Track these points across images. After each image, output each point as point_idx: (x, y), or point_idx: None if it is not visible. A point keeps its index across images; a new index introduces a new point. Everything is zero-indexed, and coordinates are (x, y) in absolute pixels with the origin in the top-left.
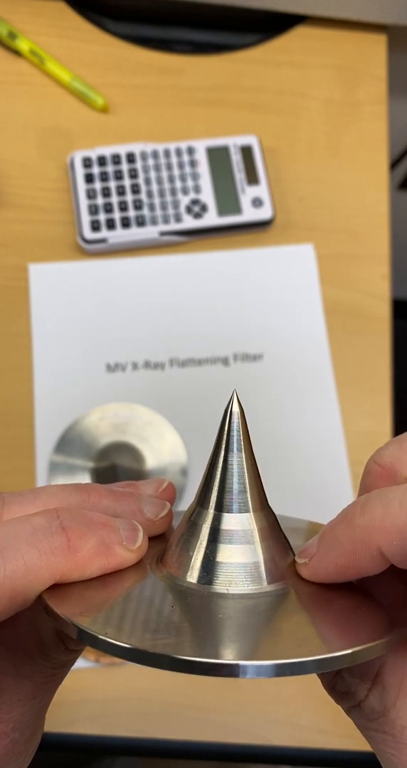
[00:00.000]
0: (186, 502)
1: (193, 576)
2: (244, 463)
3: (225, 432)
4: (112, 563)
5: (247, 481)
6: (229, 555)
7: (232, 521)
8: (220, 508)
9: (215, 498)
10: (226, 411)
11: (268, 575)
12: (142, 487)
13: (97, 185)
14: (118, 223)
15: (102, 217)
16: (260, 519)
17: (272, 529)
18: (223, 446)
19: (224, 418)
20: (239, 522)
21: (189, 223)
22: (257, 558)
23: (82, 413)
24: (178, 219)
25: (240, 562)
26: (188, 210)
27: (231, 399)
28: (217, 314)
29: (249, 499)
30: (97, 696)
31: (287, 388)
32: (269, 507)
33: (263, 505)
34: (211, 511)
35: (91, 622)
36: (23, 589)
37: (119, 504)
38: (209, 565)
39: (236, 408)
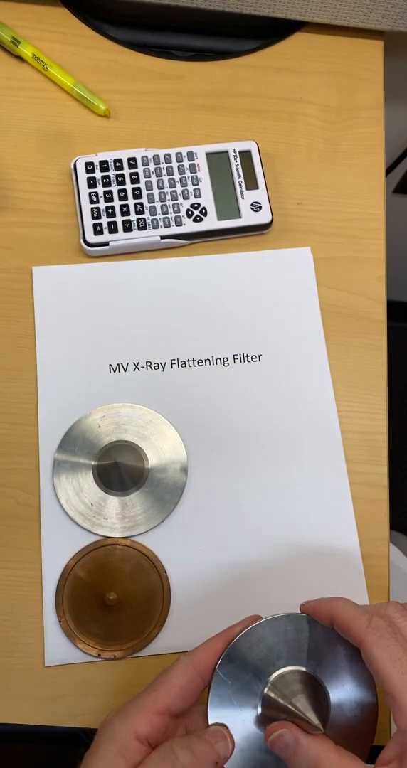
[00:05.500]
0: (186, 500)
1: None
2: None
3: None
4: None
5: None
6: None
7: None
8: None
9: None
10: None
11: None
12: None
13: (100, 189)
14: (120, 226)
15: (104, 220)
16: None
17: None
18: None
19: None
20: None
21: (190, 226)
22: None
23: (84, 412)
24: (178, 223)
25: None
26: (189, 214)
27: None
28: (217, 316)
29: None
30: (99, 690)
31: (286, 387)
32: None
33: None
34: None
35: None
36: None
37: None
38: None
39: None
